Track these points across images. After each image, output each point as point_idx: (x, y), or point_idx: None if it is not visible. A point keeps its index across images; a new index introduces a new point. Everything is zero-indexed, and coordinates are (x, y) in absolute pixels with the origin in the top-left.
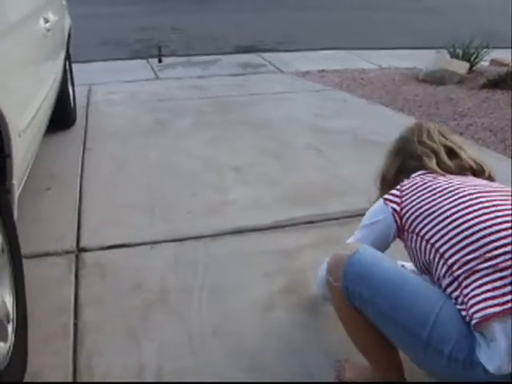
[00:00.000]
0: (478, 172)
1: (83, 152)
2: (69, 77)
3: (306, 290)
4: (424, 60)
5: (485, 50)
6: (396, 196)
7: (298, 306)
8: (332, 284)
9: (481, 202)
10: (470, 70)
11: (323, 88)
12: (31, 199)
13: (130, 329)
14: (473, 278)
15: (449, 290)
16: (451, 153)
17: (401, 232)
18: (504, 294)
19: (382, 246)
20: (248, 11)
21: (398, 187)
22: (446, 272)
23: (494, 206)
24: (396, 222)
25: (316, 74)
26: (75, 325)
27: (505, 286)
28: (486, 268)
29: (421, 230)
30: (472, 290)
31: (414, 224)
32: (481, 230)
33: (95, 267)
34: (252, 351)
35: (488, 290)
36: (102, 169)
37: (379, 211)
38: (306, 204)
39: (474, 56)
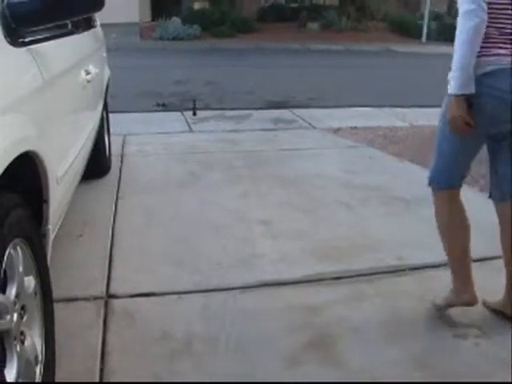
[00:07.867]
0: None
1: (116, 201)
2: (105, 126)
3: (331, 345)
4: None
5: None
6: None
7: (322, 361)
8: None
9: None
10: None
11: (355, 145)
12: (63, 244)
13: (154, 376)
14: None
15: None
16: None
17: None
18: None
19: None
20: (281, 67)
21: None
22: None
23: None
24: None
25: (348, 131)
26: (101, 369)
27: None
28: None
29: None
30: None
31: None
32: None
33: (123, 314)
34: None
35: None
36: (133, 218)
37: None
38: (334, 259)
39: None
